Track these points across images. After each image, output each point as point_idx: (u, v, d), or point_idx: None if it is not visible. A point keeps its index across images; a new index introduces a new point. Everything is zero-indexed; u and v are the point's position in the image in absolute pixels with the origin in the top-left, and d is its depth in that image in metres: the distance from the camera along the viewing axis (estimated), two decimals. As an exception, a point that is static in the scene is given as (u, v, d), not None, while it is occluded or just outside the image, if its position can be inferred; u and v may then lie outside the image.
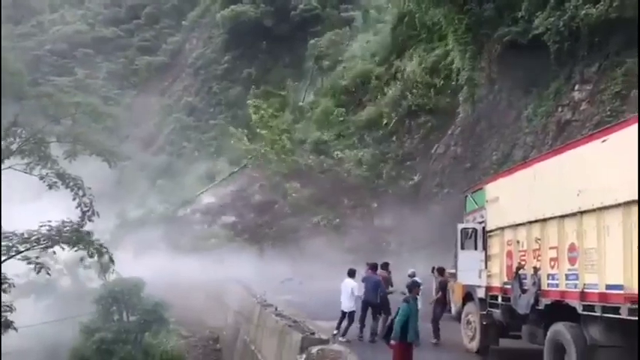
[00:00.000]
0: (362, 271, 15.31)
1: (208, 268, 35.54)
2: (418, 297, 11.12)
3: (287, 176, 39.67)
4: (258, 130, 41.55)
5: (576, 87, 26.98)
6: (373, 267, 15.20)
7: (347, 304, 14.43)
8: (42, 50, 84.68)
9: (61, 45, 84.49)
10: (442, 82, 37.72)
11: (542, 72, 28.49)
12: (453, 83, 34.96)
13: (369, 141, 40.24)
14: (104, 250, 16.93)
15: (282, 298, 22.75)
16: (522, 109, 30.18)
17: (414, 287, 10.88)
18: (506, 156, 29.31)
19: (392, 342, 10.20)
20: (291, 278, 31.36)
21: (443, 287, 15.18)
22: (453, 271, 15.11)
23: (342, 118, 42.73)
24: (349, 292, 14.39)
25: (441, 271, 15.77)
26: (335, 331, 14.39)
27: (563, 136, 23.69)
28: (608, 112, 22.40)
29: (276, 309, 18.13)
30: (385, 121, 40.08)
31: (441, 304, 14.99)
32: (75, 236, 16.13)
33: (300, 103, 53.33)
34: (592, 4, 24.67)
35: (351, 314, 14.35)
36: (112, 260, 17.57)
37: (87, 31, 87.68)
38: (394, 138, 39.97)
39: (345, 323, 14.46)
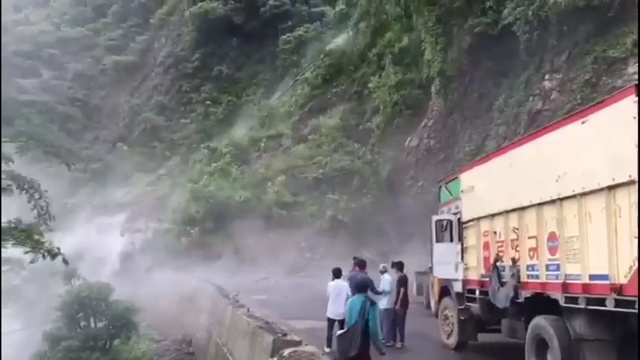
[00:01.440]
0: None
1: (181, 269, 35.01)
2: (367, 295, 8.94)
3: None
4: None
5: (546, 76, 26.92)
6: (361, 264, 13.15)
7: (337, 311, 11.80)
8: (6, 52, 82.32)
9: (26, 46, 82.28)
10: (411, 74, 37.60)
11: (513, 62, 28.42)
12: (425, 76, 34.72)
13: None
14: (56, 250, 16.00)
15: (256, 297, 22.22)
16: (494, 100, 30.07)
17: (366, 285, 9.09)
18: (479, 147, 29.18)
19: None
20: (266, 277, 30.87)
21: (403, 284, 13.45)
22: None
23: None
24: (343, 295, 11.75)
25: (399, 266, 13.99)
26: (327, 349, 11.94)
27: (534, 126, 23.46)
28: (579, 101, 22.27)
29: (248, 310, 17.49)
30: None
31: (402, 302, 13.22)
32: (23, 235, 15.19)
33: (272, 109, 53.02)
34: (560, -7, 24.59)
35: (342, 322, 11.44)
36: (65, 262, 16.63)
37: (52, 31, 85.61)
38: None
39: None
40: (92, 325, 23.53)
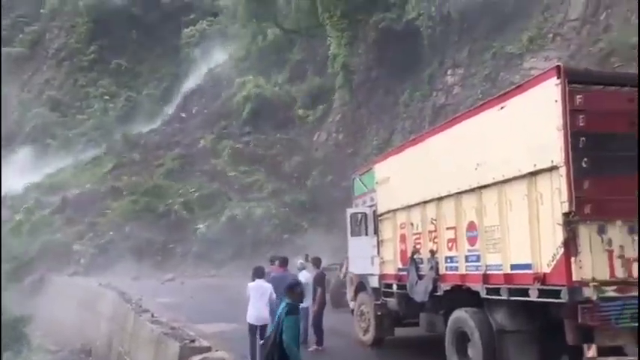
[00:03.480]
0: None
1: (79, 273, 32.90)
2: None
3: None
4: None
5: (449, 71, 27.63)
6: (284, 262, 12.15)
7: (259, 315, 10.61)
8: None
9: None
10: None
11: (417, 57, 28.90)
12: (330, 70, 34.68)
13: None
14: None
15: (161, 300, 21.09)
16: (400, 95, 30.46)
17: (295, 288, 7.66)
18: (387, 141, 29.47)
19: None
20: (172, 278, 29.64)
21: (320, 282, 12.59)
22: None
23: None
24: (265, 297, 10.66)
25: (316, 261, 13.18)
26: None
27: (438, 120, 23.94)
28: (480, 95, 22.86)
29: (152, 315, 16.37)
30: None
31: (319, 302, 12.29)
32: None
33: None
34: (461, -11, 25.22)
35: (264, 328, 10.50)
36: None
37: None
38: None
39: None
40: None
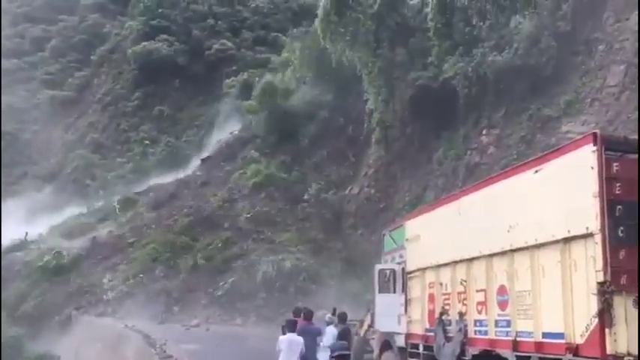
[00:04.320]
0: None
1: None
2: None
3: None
4: None
5: (484, 131, 27.54)
6: (308, 314, 11.86)
7: None
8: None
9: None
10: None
11: (452, 116, 28.99)
12: (366, 125, 34.98)
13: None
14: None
15: (186, 347, 20.92)
16: (433, 152, 30.44)
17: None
18: (419, 197, 29.29)
19: None
20: (197, 324, 29.49)
21: (345, 336, 12.24)
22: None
23: None
24: (296, 352, 10.49)
25: (342, 316, 12.92)
26: None
27: (472, 179, 23.79)
28: (515, 156, 22.69)
29: (175, 362, 16.31)
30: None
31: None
32: None
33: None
34: (498, 52, 25.41)
35: None
36: None
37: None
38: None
39: None
40: (2, 375, 21.54)
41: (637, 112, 18.55)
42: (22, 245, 46.81)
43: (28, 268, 39.86)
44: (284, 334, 10.78)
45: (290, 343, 10.58)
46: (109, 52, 78.82)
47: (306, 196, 37.69)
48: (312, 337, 11.22)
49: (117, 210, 47.41)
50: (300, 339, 10.67)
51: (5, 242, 47.78)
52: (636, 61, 19.64)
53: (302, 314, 12.12)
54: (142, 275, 34.77)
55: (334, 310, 13.25)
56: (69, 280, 37.92)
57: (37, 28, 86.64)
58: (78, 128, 72.61)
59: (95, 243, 41.09)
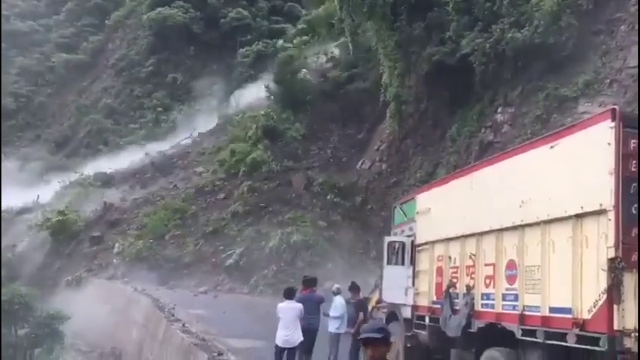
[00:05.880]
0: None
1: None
2: None
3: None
4: None
5: (499, 109, 27.24)
6: (309, 282, 11.96)
7: (290, 338, 10.52)
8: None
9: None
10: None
11: (468, 93, 28.68)
12: (381, 99, 34.72)
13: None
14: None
15: (194, 312, 21.22)
16: (447, 129, 30.22)
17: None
18: (430, 174, 29.17)
19: None
20: (205, 291, 29.83)
21: (362, 307, 12.65)
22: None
23: None
24: (295, 319, 10.65)
25: (355, 289, 12.98)
26: None
27: (484, 157, 23.61)
28: (529, 135, 22.44)
29: (183, 325, 16.54)
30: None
31: (360, 324, 11.81)
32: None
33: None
34: (517, 29, 24.97)
35: (293, 351, 10.70)
36: None
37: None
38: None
39: None
40: (13, 332, 21.93)
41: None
42: (33, 208, 47.38)
43: (38, 229, 40.35)
44: (283, 302, 10.96)
45: (288, 310, 10.72)
46: (124, 17, 78.56)
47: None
48: (313, 305, 11.38)
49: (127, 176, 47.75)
50: (299, 305, 10.81)
51: (17, 204, 48.44)
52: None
53: (302, 282, 12.23)
54: (151, 241, 35.04)
55: (352, 283, 13.43)
56: (80, 243, 38.43)
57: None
58: (92, 93, 72.73)
59: (106, 208, 41.44)
